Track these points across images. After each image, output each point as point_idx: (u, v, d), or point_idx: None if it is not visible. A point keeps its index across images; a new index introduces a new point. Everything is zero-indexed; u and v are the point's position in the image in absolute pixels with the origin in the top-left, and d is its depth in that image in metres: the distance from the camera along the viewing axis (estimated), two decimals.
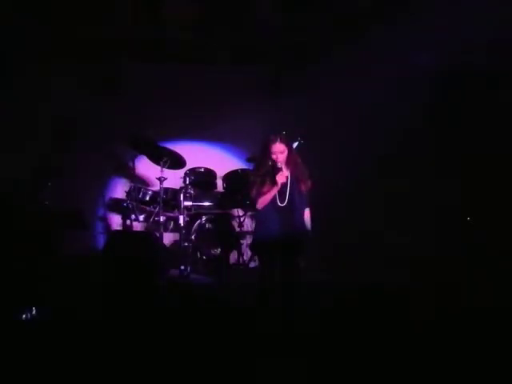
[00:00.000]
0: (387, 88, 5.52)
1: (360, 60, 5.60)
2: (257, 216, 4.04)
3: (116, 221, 6.00)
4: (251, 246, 4.42)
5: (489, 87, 5.13)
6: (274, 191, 3.73)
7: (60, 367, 2.88)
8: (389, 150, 5.62)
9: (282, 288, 3.63)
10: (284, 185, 3.74)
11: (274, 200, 3.78)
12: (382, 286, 4.14)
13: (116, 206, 5.87)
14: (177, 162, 5.41)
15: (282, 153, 3.75)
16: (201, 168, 5.62)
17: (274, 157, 3.73)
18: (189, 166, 5.55)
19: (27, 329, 3.40)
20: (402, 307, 3.65)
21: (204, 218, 5.48)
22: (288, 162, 3.79)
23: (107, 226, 6.07)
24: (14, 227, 4.51)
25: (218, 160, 6.17)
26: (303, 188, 3.83)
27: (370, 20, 5.43)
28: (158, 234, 5.26)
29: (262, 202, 3.76)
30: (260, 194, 3.74)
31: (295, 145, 4.26)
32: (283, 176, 3.71)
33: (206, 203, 5.55)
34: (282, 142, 3.75)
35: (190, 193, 5.40)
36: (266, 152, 3.77)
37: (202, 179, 5.58)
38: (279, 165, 3.73)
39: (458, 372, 2.87)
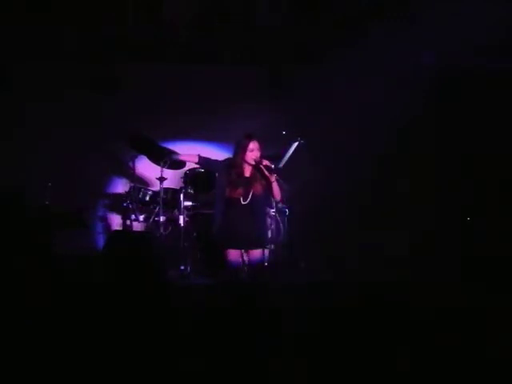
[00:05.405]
0: (387, 88, 5.53)
1: (360, 60, 5.61)
2: (215, 210, 4.06)
3: (116, 221, 6.00)
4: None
5: (489, 87, 5.14)
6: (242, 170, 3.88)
7: (59, 368, 2.89)
8: (389, 150, 5.63)
9: (254, 282, 3.68)
10: (248, 182, 3.82)
11: (236, 197, 3.84)
12: (382, 286, 4.14)
13: (116, 206, 5.87)
14: (177, 162, 5.40)
15: (258, 150, 3.87)
16: (201, 168, 5.61)
17: (249, 153, 3.85)
18: (189, 166, 5.54)
19: (26, 329, 3.39)
20: (402, 307, 3.65)
21: (204, 218, 5.47)
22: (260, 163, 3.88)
23: (107, 225, 6.07)
24: (14, 227, 4.50)
25: None
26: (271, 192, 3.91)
27: (369, 20, 5.44)
28: (157, 234, 5.26)
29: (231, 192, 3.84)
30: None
31: (295, 145, 4.27)
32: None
33: (206, 203, 5.54)
34: (257, 141, 3.88)
35: (190, 193, 5.39)
36: (241, 149, 3.87)
37: (202, 179, 5.57)
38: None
39: (459, 372, 2.87)
